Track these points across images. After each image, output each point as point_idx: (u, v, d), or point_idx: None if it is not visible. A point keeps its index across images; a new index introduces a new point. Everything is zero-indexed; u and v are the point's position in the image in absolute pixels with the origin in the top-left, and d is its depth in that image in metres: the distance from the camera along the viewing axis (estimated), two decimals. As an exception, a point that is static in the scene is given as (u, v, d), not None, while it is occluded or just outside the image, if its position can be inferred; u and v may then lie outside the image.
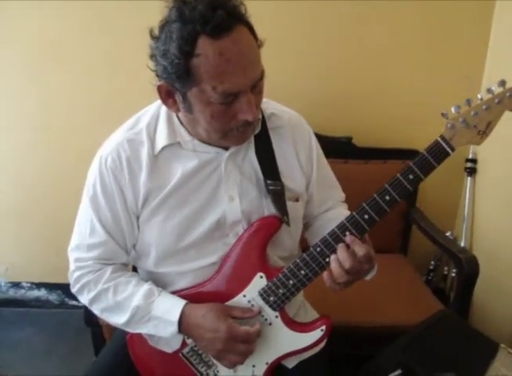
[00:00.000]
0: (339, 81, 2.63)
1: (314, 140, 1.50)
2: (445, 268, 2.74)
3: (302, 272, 1.31)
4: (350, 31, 2.55)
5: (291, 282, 1.32)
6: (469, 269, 2.01)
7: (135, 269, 1.54)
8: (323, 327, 1.36)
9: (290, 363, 1.46)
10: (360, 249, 1.23)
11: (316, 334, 1.36)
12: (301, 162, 1.45)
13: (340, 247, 1.25)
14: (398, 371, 1.58)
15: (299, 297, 1.59)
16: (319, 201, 1.53)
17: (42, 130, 2.80)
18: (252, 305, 1.36)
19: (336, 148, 2.50)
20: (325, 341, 1.47)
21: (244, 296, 1.37)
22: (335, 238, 1.27)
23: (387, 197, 1.23)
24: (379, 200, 1.23)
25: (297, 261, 1.31)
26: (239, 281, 1.37)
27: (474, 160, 2.61)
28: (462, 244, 2.62)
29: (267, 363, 1.40)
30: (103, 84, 2.65)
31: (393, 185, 1.23)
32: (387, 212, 1.25)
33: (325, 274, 1.27)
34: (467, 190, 2.64)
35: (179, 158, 1.34)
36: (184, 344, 1.41)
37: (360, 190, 2.46)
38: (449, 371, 1.52)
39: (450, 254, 2.14)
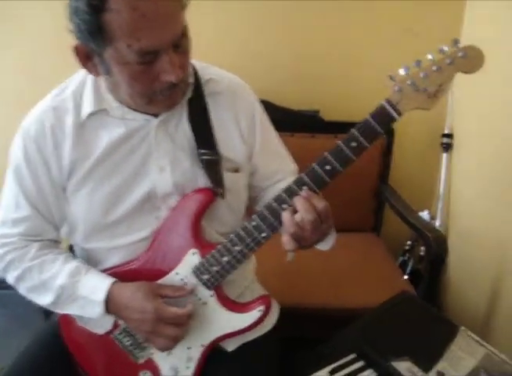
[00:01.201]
0: (305, 52, 2.49)
1: (258, 108, 1.40)
2: (422, 248, 2.63)
3: (237, 248, 1.22)
4: (316, 3, 2.42)
5: (225, 259, 1.23)
6: (437, 248, 1.92)
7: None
8: (261, 308, 1.27)
9: (230, 346, 1.38)
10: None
11: (254, 314, 1.27)
12: (242, 131, 1.35)
13: (298, 199, 1.12)
14: (352, 356, 1.49)
15: (248, 276, 1.51)
16: (266, 173, 1.43)
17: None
18: (185, 284, 1.27)
19: (302, 122, 2.40)
20: (266, 322, 1.38)
21: (177, 274, 1.28)
22: (271, 211, 1.17)
23: (328, 167, 1.13)
24: (318, 170, 1.13)
25: (232, 236, 1.22)
26: (172, 258, 1.29)
27: (450, 136, 2.49)
28: (437, 224, 2.52)
29: (202, 345, 1.32)
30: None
31: (334, 153, 1.13)
32: (327, 183, 1.14)
33: (283, 237, 1.14)
34: (443, 167, 2.53)
35: (106, 126, 1.25)
36: (116, 325, 1.33)
37: (329, 166, 2.40)
38: (406, 355, 1.43)
39: (419, 232, 2.05)
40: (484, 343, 1.47)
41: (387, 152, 2.45)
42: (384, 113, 1.10)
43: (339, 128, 2.38)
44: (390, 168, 2.51)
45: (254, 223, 1.18)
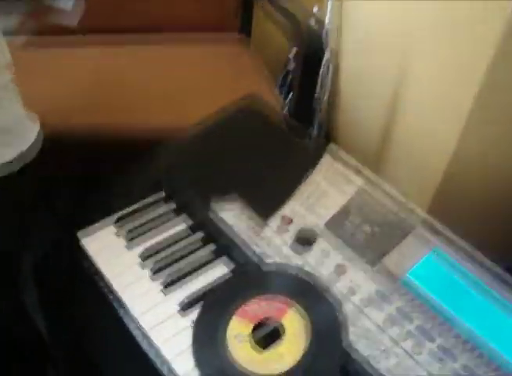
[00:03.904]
0: None
1: None
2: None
3: None
4: None
5: None
6: (310, 39, 1.48)
7: None
8: None
9: None
10: None
11: None
12: None
13: None
14: (160, 195, 0.98)
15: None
16: None
17: None
18: None
19: None
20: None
21: None
22: None
23: None
24: None
25: None
26: None
27: None
28: (326, 23, 1.94)
29: None
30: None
31: None
32: None
33: None
34: None
35: None
36: None
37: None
38: (237, 195, 0.93)
39: (288, 19, 1.51)
40: (363, 168, 0.93)
41: None
42: None
43: None
44: None
45: None
